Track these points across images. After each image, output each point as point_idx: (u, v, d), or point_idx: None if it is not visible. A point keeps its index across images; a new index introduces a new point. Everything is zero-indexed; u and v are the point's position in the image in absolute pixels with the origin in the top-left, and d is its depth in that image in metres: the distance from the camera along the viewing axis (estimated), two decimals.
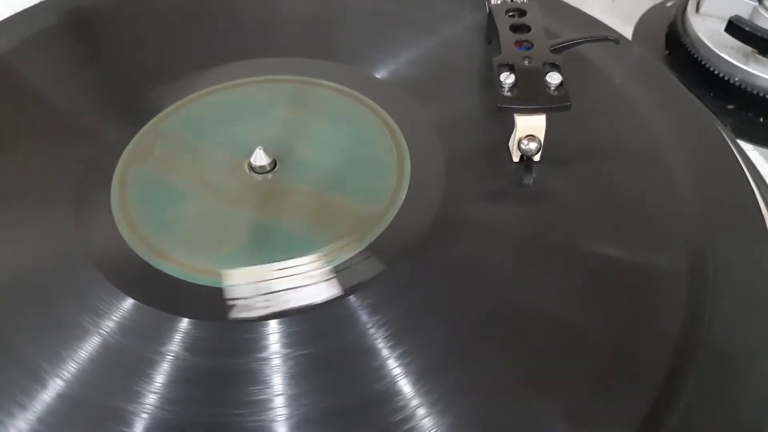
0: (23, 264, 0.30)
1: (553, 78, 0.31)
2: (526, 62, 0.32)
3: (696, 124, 0.35)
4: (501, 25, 0.35)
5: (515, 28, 0.34)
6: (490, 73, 0.32)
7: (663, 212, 0.31)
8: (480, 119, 0.35)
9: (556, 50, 0.33)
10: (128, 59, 0.40)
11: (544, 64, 0.32)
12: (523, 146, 0.31)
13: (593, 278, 0.28)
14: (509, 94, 0.31)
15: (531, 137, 0.31)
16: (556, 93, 0.31)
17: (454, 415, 0.24)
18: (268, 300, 0.28)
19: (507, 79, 0.31)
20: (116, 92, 0.38)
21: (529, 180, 0.32)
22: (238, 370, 0.26)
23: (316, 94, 0.37)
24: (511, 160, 0.32)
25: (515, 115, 0.31)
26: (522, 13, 0.35)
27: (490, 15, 0.36)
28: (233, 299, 0.28)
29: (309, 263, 0.29)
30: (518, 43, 0.34)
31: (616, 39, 0.34)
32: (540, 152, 0.31)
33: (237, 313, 0.27)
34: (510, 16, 0.35)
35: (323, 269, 0.29)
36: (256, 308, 0.27)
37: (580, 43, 0.34)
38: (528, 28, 0.34)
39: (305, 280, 0.28)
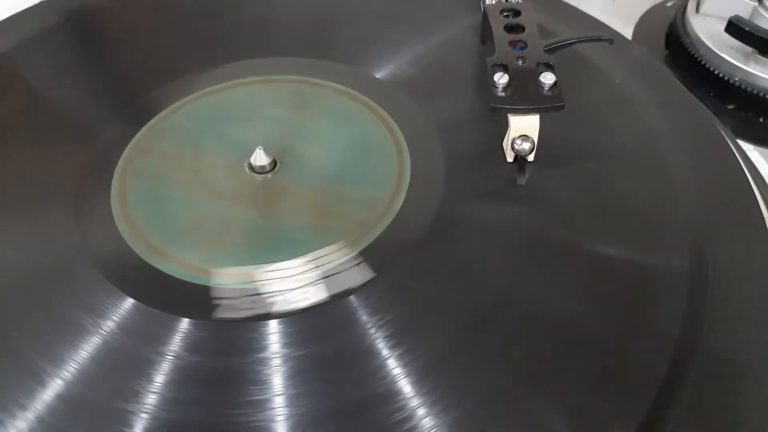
0: (23, 264, 0.30)
1: (547, 78, 0.31)
2: (520, 62, 0.32)
3: (696, 124, 0.35)
4: (495, 25, 0.35)
5: (509, 28, 0.34)
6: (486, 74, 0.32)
7: (663, 212, 0.31)
8: (480, 119, 0.35)
9: (551, 50, 0.33)
10: (128, 59, 0.40)
11: (538, 64, 0.32)
12: (516, 146, 0.31)
13: (593, 278, 0.28)
14: (503, 94, 0.31)
15: (524, 137, 0.31)
16: (549, 93, 0.31)
17: (454, 415, 0.24)
18: (253, 302, 0.28)
19: (501, 79, 0.31)
20: (116, 92, 0.38)
21: (522, 180, 0.32)
22: (237, 369, 0.26)
23: (316, 94, 0.37)
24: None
25: (509, 115, 0.31)
26: (516, 13, 0.35)
27: (485, 15, 0.36)
28: (219, 299, 0.28)
29: (299, 266, 0.29)
30: (512, 43, 0.34)
31: (610, 39, 0.33)
32: (534, 152, 0.31)
33: (221, 313, 0.27)
34: (504, 16, 0.35)
35: (312, 273, 0.29)
36: (241, 309, 0.27)
37: (574, 43, 0.34)
38: (522, 28, 0.34)
39: (293, 284, 0.28)
